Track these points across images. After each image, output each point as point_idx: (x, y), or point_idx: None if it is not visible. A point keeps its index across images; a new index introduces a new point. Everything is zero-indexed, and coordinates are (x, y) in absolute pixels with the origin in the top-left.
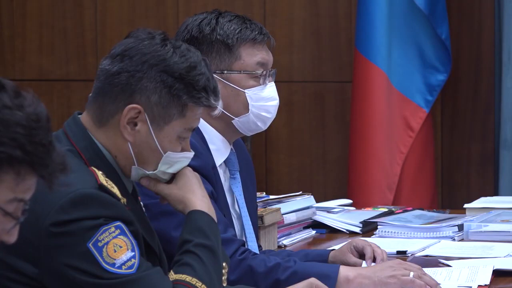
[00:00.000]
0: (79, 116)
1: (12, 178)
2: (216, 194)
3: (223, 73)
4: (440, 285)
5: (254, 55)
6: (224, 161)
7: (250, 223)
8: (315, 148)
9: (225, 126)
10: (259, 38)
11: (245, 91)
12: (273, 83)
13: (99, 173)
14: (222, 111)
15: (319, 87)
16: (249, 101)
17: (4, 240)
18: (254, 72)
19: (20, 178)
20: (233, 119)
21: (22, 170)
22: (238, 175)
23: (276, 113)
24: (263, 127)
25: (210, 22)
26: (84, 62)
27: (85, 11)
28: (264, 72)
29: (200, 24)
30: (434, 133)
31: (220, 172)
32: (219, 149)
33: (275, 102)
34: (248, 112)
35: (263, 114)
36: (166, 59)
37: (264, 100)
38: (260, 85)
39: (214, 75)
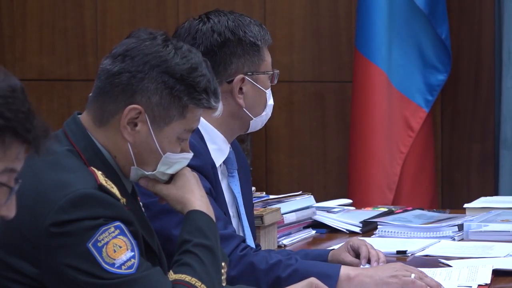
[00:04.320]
0: (79, 116)
1: None
2: (214, 192)
3: (253, 74)
4: (442, 286)
5: (270, 56)
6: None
7: (247, 222)
8: (315, 148)
9: (241, 125)
10: (271, 40)
11: (266, 91)
12: None
13: (99, 173)
14: (245, 112)
15: (319, 87)
16: (268, 101)
17: (3, 215)
18: (272, 72)
19: (6, 147)
20: (252, 119)
21: (6, 138)
22: (236, 174)
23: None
24: (262, 126)
25: (238, 24)
26: (85, 62)
27: (85, 11)
28: (274, 72)
29: (228, 26)
30: (434, 133)
31: (219, 171)
32: (221, 148)
33: (272, 102)
34: (263, 112)
35: (269, 113)
36: (168, 60)
37: (271, 100)
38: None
39: (246, 77)
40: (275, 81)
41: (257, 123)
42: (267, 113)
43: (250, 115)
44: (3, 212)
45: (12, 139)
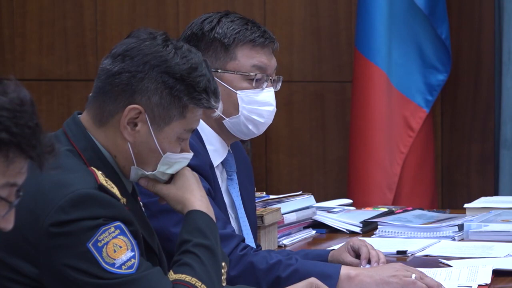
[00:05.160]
0: (79, 116)
1: (1, 161)
2: (213, 193)
3: (217, 71)
4: (443, 286)
5: (251, 57)
6: (221, 162)
7: (247, 224)
8: (315, 148)
9: (217, 126)
10: (259, 41)
11: (237, 92)
12: (271, 89)
13: (99, 173)
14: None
15: (319, 87)
16: (239, 103)
17: (1, 227)
18: (248, 74)
19: (9, 161)
20: (224, 119)
21: (10, 153)
22: (235, 176)
23: (271, 119)
24: (256, 131)
25: (212, 21)
26: (84, 62)
27: (85, 11)
28: (260, 76)
29: (203, 22)
30: (434, 133)
31: (217, 172)
32: (217, 149)
33: (271, 108)
34: (238, 113)
35: (255, 117)
36: (168, 60)
37: (257, 104)
38: (254, 88)
39: None
40: (264, 86)
41: (236, 125)
42: (247, 115)
43: (220, 114)
44: (1, 224)
45: (16, 154)
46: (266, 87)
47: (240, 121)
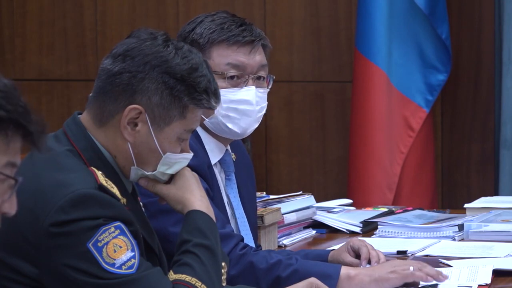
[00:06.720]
0: (79, 116)
1: (1, 139)
2: (212, 193)
3: None
4: (443, 273)
5: (226, 56)
6: (220, 162)
7: (246, 224)
8: (315, 148)
9: (201, 126)
10: (234, 39)
11: None
12: (251, 88)
13: (99, 173)
14: None
15: (319, 87)
16: None
17: (6, 212)
18: (221, 73)
19: (9, 139)
20: (204, 120)
21: (9, 131)
22: (233, 176)
23: (254, 118)
24: (238, 130)
25: (195, 21)
26: (84, 62)
27: (85, 11)
28: (234, 73)
29: (189, 23)
30: (434, 133)
31: (216, 172)
32: (212, 149)
33: (249, 107)
34: (215, 113)
35: (232, 115)
36: (168, 61)
37: (234, 103)
38: (232, 87)
39: None
40: (243, 85)
41: (216, 125)
42: (223, 113)
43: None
44: (5, 208)
45: (14, 132)
46: (247, 85)
47: (218, 121)
